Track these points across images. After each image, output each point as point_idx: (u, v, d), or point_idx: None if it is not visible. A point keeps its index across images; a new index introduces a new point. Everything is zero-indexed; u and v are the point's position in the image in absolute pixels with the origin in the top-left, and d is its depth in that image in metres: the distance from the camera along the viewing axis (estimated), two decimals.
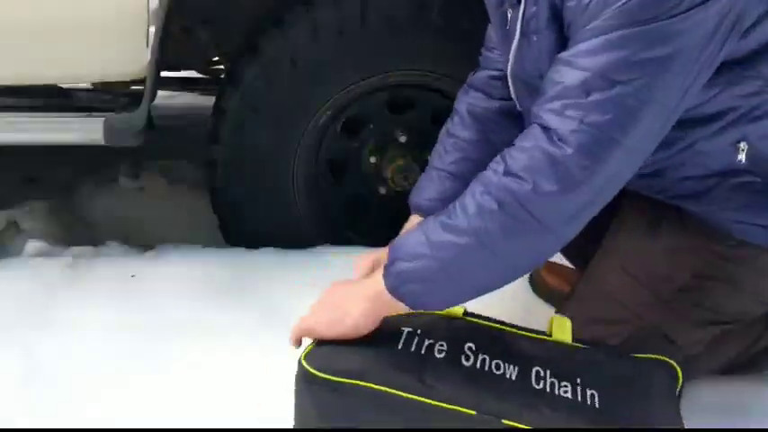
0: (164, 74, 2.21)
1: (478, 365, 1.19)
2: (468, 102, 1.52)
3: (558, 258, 1.73)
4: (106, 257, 1.95)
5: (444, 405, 1.11)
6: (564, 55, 1.12)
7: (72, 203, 2.43)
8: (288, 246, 1.98)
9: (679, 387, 1.22)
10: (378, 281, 1.20)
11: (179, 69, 2.82)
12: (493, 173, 1.14)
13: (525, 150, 1.12)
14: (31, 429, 1.31)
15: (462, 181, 1.42)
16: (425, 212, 1.45)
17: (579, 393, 1.16)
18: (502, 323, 1.31)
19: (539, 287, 1.82)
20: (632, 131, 1.08)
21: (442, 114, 2.03)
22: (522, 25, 1.24)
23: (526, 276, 1.85)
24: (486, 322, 1.31)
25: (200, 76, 2.99)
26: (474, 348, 1.22)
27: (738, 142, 1.24)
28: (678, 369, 1.23)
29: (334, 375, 1.14)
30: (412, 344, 1.22)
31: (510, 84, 1.35)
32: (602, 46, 1.07)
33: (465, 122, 1.50)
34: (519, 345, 1.25)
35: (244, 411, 1.35)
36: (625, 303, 1.36)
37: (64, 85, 2.15)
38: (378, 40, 1.89)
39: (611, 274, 1.40)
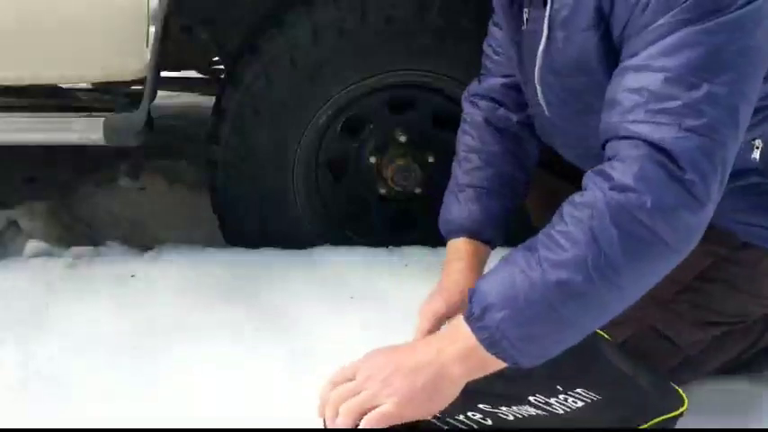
0: (164, 74, 2.21)
1: (518, 415, 1.12)
2: (484, 113, 1.46)
3: None
4: (106, 257, 1.95)
5: None
6: (634, 61, 1.05)
7: (72, 203, 2.43)
8: (288, 246, 1.98)
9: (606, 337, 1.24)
10: (464, 336, 1.03)
11: (179, 69, 2.82)
12: (598, 191, 1.01)
13: (632, 162, 1.01)
14: (31, 429, 1.30)
15: (498, 196, 1.37)
16: (471, 234, 1.36)
17: (581, 396, 1.19)
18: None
19: None
20: (727, 130, 1.02)
21: (441, 114, 2.04)
22: (549, 24, 1.18)
23: None
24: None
25: (200, 76, 2.99)
26: (489, 407, 1.14)
27: (754, 140, 1.22)
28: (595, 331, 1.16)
29: None
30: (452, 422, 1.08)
31: (538, 89, 1.27)
32: (679, 43, 1.01)
33: (490, 135, 1.43)
34: None
35: (244, 411, 1.35)
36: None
37: (64, 85, 2.15)
38: (378, 40, 1.89)
39: None
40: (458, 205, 1.40)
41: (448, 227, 1.41)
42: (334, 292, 1.76)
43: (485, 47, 1.52)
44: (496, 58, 1.48)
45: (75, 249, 1.97)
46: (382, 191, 2.07)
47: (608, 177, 1.02)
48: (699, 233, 1.05)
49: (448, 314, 1.25)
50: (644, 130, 1.02)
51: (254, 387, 1.42)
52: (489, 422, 1.10)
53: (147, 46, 1.78)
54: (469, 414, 1.11)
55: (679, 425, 1.33)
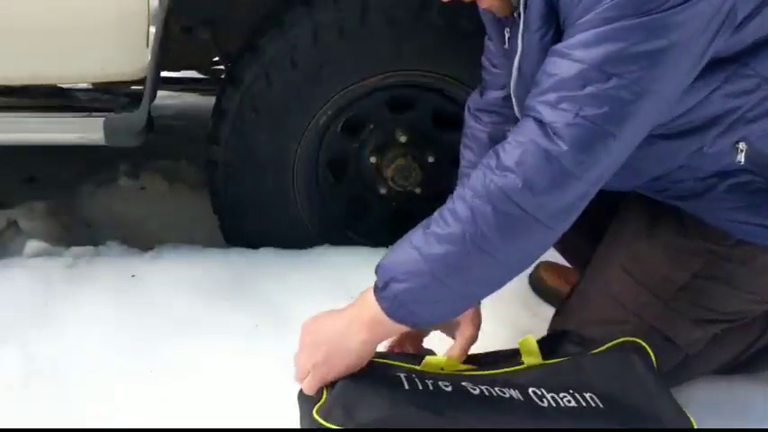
0: (164, 74, 2.21)
1: (486, 393, 1.18)
2: (486, 129, 1.51)
3: (558, 258, 1.73)
4: (106, 257, 1.95)
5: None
6: (559, 47, 1.11)
7: (72, 203, 2.43)
8: (288, 246, 1.98)
9: (653, 363, 1.25)
10: (370, 305, 1.17)
11: (179, 69, 2.82)
12: (484, 171, 1.12)
13: (520, 145, 1.10)
14: (31, 429, 1.31)
15: None
16: None
17: (581, 400, 1.17)
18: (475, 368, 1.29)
19: (539, 287, 1.82)
20: (627, 124, 1.08)
21: (441, 114, 2.04)
22: (522, 41, 1.22)
23: (526, 276, 1.85)
24: (464, 371, 1.28)
25: (200, 76, 2.99)
26: (473, 384, 1.20)
27: (737, 143, 1.24)
28: (644, 345, 1.25)
29: (358, 427, 1.11)
30: (417, 384, 1.19)
31: (514, 102, 1.33)
32: (597, 38, 1.07)
33: (476, 152, 1.50)
34: (505, 377, 1.24)
35: (244, 411, 1.35)
36: (625, 303, 1.36)
37: (64, 85, 2.15)
38: (378, 40, 1.89)
39: (611, 274, 1.40)
40: None
41: None
42: (334, 292, 1.76)
43: (483, 60, 1.55)
44: (494, 71, 1.50)
45: (75, 249, 1.98)
46: (382, 191, 2.07)
47: (497, 158, 1.12)
48: (572, 212, 1.13)
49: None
50: (545, 111, 1.09)
51: (254, 387, 1.42)
52: (449, 389, 1.17)
53: (147, 46, 1.78)
54: (440, 382, 1.19)
55: None
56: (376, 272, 1.19)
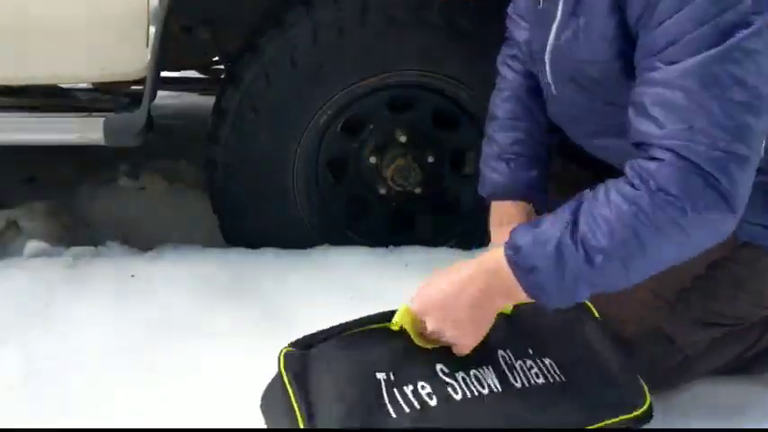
0: (164, 74, 2.21)
1: (468, 393, 1.19)
2: (522, 80, 1.52)
3: None
4: (106, 257, 1.95)
5: None
6: (661, 74, 1.10)
7: (72, 203, 2.43)
8: (288, 246, 1.98)
9: (596, 314, 1.30)
10: (508, 280, 1.17)
11: (179, 69, 2.82)
12: (643, 189, 1.10)
13: (673, 171, 1.08)
14: (31, 429, 1.30)
15: (538, 163, 1.48)
16: (518, 197, 1.48)
17: (545, 370, 1.24)
18: None
19: None
20: (754, 141, 1.09)
21: (441, 114, 2.04)
22: (563, 5, 1.22)
23: None
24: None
25: (200, 76, 2.99)
26: (447, 371, 1.21)
27: None
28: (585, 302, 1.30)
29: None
30: (400, 402, 1.17)
31: (547, 67, 1.32)
32: (699, 65, 1.07)
33: (530, 104, 1.50)
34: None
35: (244, 411, 1.35)
36: (626, 302, 1.36)
37: (64, 85, 2.15)
38: (378, 40, 1.89)
39: None
40: (504, 171, 1.48)
41: (494, 190, 1.50)
42: (334, 292, 1.76)
43: (509, 10, 1.55)
44: (522, 23, 1.49)
45: (75, 249, 1.97)
46: (382, 191, 2.07)
47: (652, 180, 1.09)
48: (726, 237, 1.13)
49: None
50: (676, 145, 1.08)
51: (254, 387, 1.41)
52: (434, 402, 1.17)
53: (147, 46, 1.78)
54: (419, 387, 1.18)
55: (681, 424, 1.33)
56: (514, 248, 1.16)
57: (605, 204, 1.11)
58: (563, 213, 1.15)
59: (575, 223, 1.13)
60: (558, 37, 1.25)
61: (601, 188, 1.14)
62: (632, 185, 1.11)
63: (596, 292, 1.16)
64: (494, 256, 1.18)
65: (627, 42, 1.17)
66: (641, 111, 1.12)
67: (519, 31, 1.50)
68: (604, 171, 1.40)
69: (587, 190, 1.16)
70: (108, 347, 1.53)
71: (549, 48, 1.28)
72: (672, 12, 1.08)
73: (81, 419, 1.32)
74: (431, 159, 2.05)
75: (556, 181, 1.55)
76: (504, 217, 1.49)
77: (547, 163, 1.51)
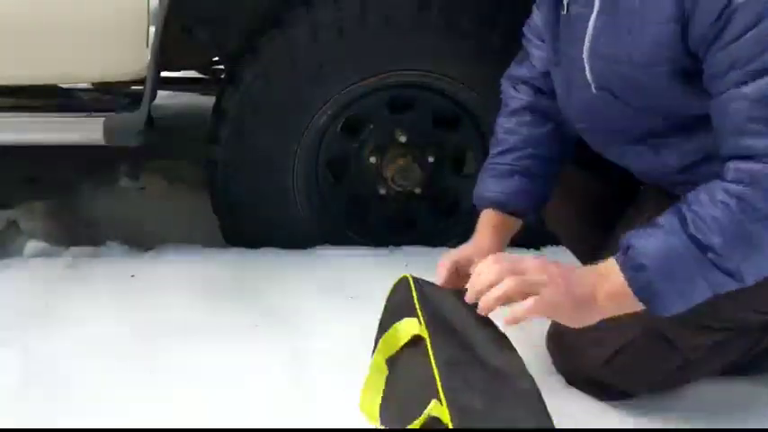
0: (164, 74, 2.21)
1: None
2: (526, 99, 1.50)
3: (558, 256, 1.73)
4: (106, 257, 1.95)
5: None
6: (746, 90, 1.10)
7: (72, 203, 2.43)
8: (288, 246, 1.98)
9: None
10: (617, 281, 1.16)
11: (179, 69, 2.82)
12: (746, 184, 1.11)
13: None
14: (31, 429, 1.30)
15: (530, 175, 1.45)
16: (500, 207, 1.45)
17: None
18: None
19: None
20: None
21: (441, 114, 2.04)
22: (601, 4, 1.21)
23: None
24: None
25: (200, 76, 2.99)
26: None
27: None
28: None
29: None
30: None
31: (586, 65, 1.29)
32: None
33: (528, 120, 1.48)
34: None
35: (244, 411, 1.35)
36: None
37: (64, 85, 2.15)
38: (378, 40, 1.89)
39: None
40: (490, 181, 1.48)
41: (480, 201, 1.49)
42: (334, 292, 1.76)
43: (525, 30, 1.54)
44: (538, 43, 1.49)
45: (75, 249, 1.97)
46: (382, 191, 2.07)
47: (755, 178, 1.10)
48: None
49: (465, 266, 1.35)
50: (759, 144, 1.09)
51: (253, 386, 1.42)
52: None
53: (147, 46, 1.78)
54: None
55: (681, 424, 1.33)
56: (625, 250, 1.17)
57: (712, 205, 1.12)
58: (669, 217, 1.16)
59: (683, 223, 1.13)
60: (595, 32, 1.24)
61: (701, 191, 1.15)
62: (738, 182, 1.12)
63: (713, 293, 1.15)
64: (604, 263, 1.19)
65: (682, 52, 1.16)
66: (737, 128, 1.12)
67: (535, 49, 1.50)
68: (605, 170, 1.40)
69: (683, 197, 1.17)
70: (108, 347, 1.53)
71: (587, 44, 1.26)
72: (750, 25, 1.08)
73: (81, 419, 1.31)
74: (431, 159, 2.06)
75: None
76: (483, 223, 1.47)
77: (542, 178, 1.48)
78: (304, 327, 1.62)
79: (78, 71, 1.88)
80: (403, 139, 2.03)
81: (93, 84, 2.23)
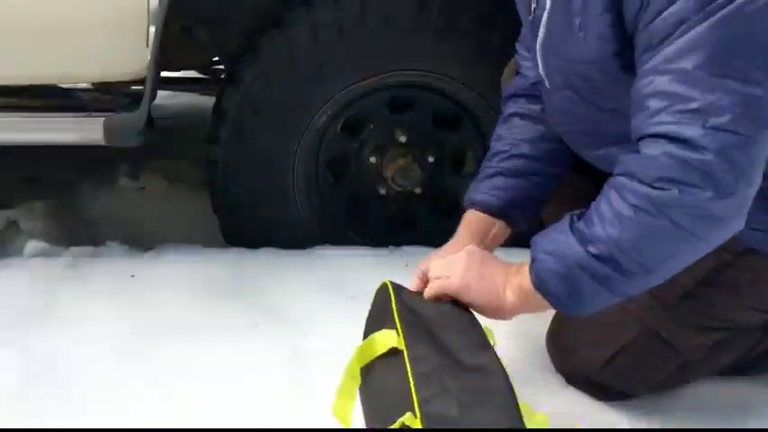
0: (164, 74, 2.21)
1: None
2: (517, 108, 1.52)
3: None
4: (106, 257, 1.95)
5: None
6: (653, 63, 1.09)
7: (72, 203, 2.43)
8: (288, 246, 1.98)
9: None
10: (525, 276, 1.21)
11: (179, 69, 2.82)
12: (626, 180, 1.11)
13: (654, 158, 1.07)
14: (31, 429, 1.30)
15: (521, 181, 1.46)
16: (483, 209, 1.47)
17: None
18: None
19: None
20: (754, 123, 1.05)
21: (441, 114, 2.04)
22: (552, 2, 1.23)
23: None
24: None
25: (200, 76, 2.99)
26: None
27: None
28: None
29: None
30: None
31: (539, 60, 1.32)
32: (690, 45, 1.05)
33: (520, 127, 1.50)
34: None
35: (244, 411, 1.35)
36: (628, 306, 1.35)
37: (64, 85, 2.15)
38: (378, 40, 1.89)
39: None
40: (474, 184, 1.50)
41: (465, 204, 1.51)
42: (334, 292, 1.76)
43: (517, 46, 1.56)
44: (527, 55, 1.50)
45: (75, 249, 1.97)
46: (382, 191, 2.07)
47: (632, 173, 1.10)
48: (727, 222, 1.10)
49: None
50: (668, 129, 1.07)
51: (253, 386, 1.42)
52: None
53: (147, 46, 1.78)
54: None
55: (681, 424, 1.33)
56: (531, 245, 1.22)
57: (601, 200, 1.14)
58: (566, 217, 1.18)
59: (574, 220, 1.17)
60: (545, 30, 1.26)
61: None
62: (617, 177, 1.13)
63: (606, 293, 1.15)
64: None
65: (624, 41, 1.16)
66: (637, 106, 1.12)
67: (523, 61, 1.53)
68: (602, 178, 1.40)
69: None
70: (108, 347, 1.53)
71: (539, 40, 1.28)
72: (665, 5, 1.08)
73: (81, 419, 1.31)
74: (431, 159, 2.05)
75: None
76: (462, 223, 1.49)
77: (535, 184, 1.49)
78: (304, 326, 1.62)
79: (78, 71, 1.88)
80: (403, 139, 2.03)
81: (93, 84, 2.23)
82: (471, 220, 1.47)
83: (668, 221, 1.07)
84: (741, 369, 1.45)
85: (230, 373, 1.45)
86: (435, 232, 2.08)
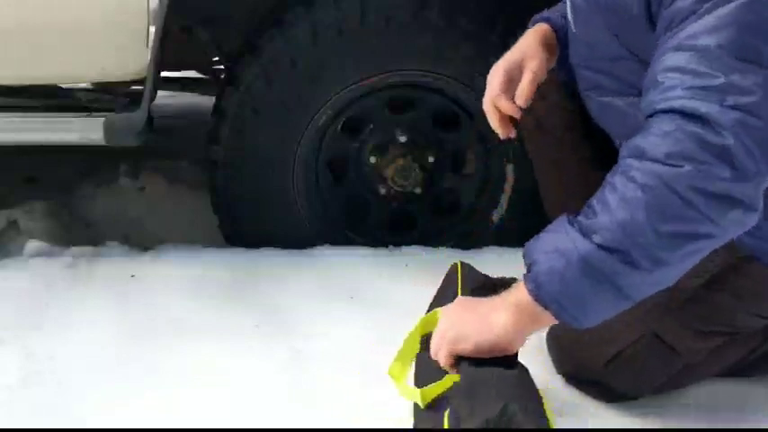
0: (164, 74, 2.21)
1: None
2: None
3: None
4: (106, 257, 1.95)
5: None
6: (674, 41, 1.06)
7: (72, 203, 2.43)
8: (288, 246, 1.98)
9: None
10: (519, 290, 1.12)
11: (179, 69, 2.82)
12: (633, 161, 1.04)
13: (665, 135, 1.02)
14: (31, 429, 1.30)
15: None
16: (549, 21, 1.45)
17: None
18: None
19: None
20: None
21: (441, 114, 2.04)
22: None
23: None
24: None
25: (200, 76, 2.99)
26: None
27: None
28: None
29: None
30: None
31: (568, 4, 1.33)
32: (715, 23, 1.03)
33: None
34: None
35: (243, 411, 1.35)
36: (630, 309, 1.35)
37: (64, 85, 2.15)
38: (378, 40, 1.89)
39: None
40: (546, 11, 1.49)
41: (532, 23, 1.49)
42: (334, 292, 1.76)
43: None
44: None
45: (75, 249, 1.97)
46: (382, 191, 2.07)
47: (642, 150, 1.04)
48: (744, 208, 1.03)
49: (515, 71, 1.38)
50: (683, 104, 1.03)
51: (253, 386, 1.42)
52: None
53: (147, 46, 1.78)
54: None
55: (681, 424, 1.33)
56: (524, 255, 1.15)
57: (600, 189, 1.09)
58: (561, 218, 1.14)
59: (570, 218, 1.11)
60: None
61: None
62: (622, 159, 1.08)
63: (613, 293, 1.08)
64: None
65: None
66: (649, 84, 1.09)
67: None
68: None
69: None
70: (108, 347, 1.53)
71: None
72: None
73: (81, 420, 1.31)
74: (431, 159, 2.05)
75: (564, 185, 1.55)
76: (540, 28, 1.47)
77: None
78: (304, 326, 1.62)
79: (78, 71, 1.88)
80: (403, 139, 2.03)
81: (93, 84, 2.23)
82: (538, 26, 1.46)
83: (679, 200, 1.00)
84: (741, 370, 1.45)
85: (230, 373, 1.45)
86: (435, 232, 2.09)
